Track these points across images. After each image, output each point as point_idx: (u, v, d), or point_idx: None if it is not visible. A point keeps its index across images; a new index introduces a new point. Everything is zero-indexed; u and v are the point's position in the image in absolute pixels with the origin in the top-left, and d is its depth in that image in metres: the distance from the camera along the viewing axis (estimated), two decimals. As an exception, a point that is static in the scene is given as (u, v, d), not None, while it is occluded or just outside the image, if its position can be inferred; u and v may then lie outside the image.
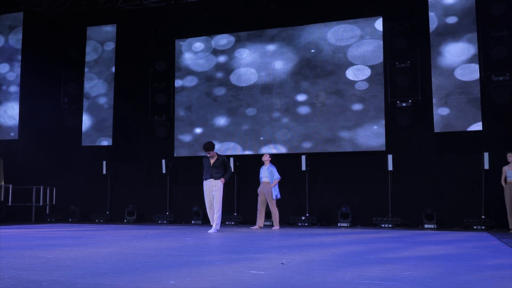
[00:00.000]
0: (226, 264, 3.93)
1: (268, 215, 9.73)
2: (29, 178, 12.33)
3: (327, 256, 4.59)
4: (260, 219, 9.47)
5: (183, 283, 3.04)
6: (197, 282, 3.08)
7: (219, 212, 8.02)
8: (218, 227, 8.05)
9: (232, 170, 10.99)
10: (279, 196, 9.34)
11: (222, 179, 8.03)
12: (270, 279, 3.21)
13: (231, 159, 11.16)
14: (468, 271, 3.68)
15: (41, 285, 2.95)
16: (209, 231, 7.87)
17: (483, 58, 9.86)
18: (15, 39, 12.55)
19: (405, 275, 3.39)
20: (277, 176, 9.25)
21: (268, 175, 9.26)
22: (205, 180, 8.11)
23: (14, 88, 12.41)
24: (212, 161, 8.09)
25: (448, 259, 4.50)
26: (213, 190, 8.01)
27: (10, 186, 11.97)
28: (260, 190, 9.39)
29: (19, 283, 3.00)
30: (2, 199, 11.96)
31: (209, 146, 8.04)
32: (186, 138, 11.98)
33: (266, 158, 9.47)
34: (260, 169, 9.52)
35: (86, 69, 12.84)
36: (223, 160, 8.15)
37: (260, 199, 9.39)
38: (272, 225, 9.62)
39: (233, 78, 11.79)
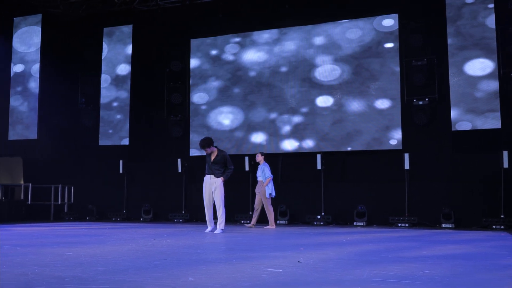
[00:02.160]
0: (243, 262, 3.96)
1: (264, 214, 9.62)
2: (48, 177, 12.53)
3: (344, 255, 4.59)
4: (254, 218, 9.46)
5: (202, 280, 3.08)
6: (215, 279, 3.11)
7: (223, 212, 7.60)
8: (223, 227, 7.67)
9: (247, 169, 11.08)
10: (273, 194, 9.29)
11: (222, 178, 7.60)
12: (287, 277, 3.23)
13: (246, 158, 11.19)
14: (487, 270, 3.65)
15: (63, 281, 3.02)
16: (215, 232, 7.52)
17: (501, 54, 9.72)
18: (34, 41, 12.75)
19: (423, 274, 3.38)
20: (268, 175, 9.19)
21: (261, 174, 9.26)
22: (206, 175, 7.69)
23: (34, 89, 12.61)
24: (212, 157, 7.65)
25: (466, 258, 4.46)
26: (213, 188, 7.57)
27: (30, 185, 12.19)
28: (256, 189, 9.39)
29: (42, 279, 3.07)
30: (22, 197, 12.19)
31: (204, 143, 7.53)
32: (202, 137, 12.00)
33: (259, 158, 9.42)
34: (258, 168, 9.51)
35: (102, 69, 12.98)
36: (223, 155, 7.65)
37: (256, 198, 9.38)
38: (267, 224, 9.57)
39: (248, 77, 11.82)
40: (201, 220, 11.51)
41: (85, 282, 3.00)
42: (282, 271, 3.47)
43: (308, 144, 11.13)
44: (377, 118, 10.63)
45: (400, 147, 10.38)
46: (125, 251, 4.73)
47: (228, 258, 4.20)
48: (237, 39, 12.07)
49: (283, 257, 4.33)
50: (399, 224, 9.85)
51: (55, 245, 5.42)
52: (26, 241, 5.98)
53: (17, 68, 12.90)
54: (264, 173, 9.19)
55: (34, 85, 12.64)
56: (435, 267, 3.74)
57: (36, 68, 12.66)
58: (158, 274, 3.28)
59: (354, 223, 10.24)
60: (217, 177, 7.60)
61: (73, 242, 5.83)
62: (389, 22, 10.79)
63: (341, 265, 3.85)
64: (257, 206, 9.39)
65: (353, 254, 4.69)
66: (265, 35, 11.82)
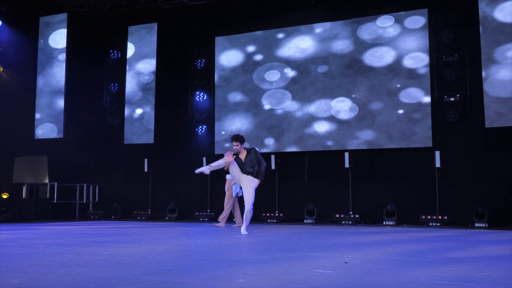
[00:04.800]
0: (288, 263, 3.82)
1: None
2: (73, 176, 12.57)
3: (389, 255, 4.42)
4: (237, 217, 9.26)
5: (253, 281, 2.95)
6: (267, 281, 2.99)
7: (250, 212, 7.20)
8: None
9: (273, 167, 10.97)
10: (240, 193, 9.03)
11: (258, 180, 7.05)
12: (340, 279, 3.09)
13: (272, 157, 11.07)
14: (548, 273, 3.45)
15: (110, 281, 2.93)
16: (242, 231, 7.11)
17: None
18: (60, 40, 12.79)
19: (482, 276, 3.21)
20: None
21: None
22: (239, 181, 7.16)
23: (59, 88, 12.65)
24: (242, 157, 7.10)
25: (518, 259, 4.26)
26: (244, 185, 7.03)
27: (55, 184, 12.24)
28: (225, 187, 9.22)
29: (88, 279, 2.98)
30: (47, 196, 12.25)
31: (243, 139, 7.13)
32: (227, 135, 11.93)
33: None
34: None
35: (127, 68, 12.97)
36: (255, 151, 7.16)
37: (226, 196, 9.18)
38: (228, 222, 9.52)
39: (273, 76, 11.67)
40: (227, 219, 11.41)
41: (133, 283, 2.90)
42: (332, 272, 3.32)
43: (336, 141, 10.92)
44: (406, 115, 10.39)
45: (431, 145, 10.12)
46: (162, 251, 4.64)
47: (271, 259, 4.07)
48: (263, 37, 11.92)
49: (327, 257, 4.18)
50: (430, 224, 9.60)
51: (89, 244, 5.36)
52: (59, 240, 5.95)
53: (43, 67, 12.97)
54: None
55: (60, 84, 12.68)
56: (491, 269, 3.56)
57: (62, 67, 12.70)
58: (205, 275, 3.17)
59: (384, 222, 10.02)
60: (254, 176, 7.05)
61: (107, 241, 5.77)
62: (419, 17, 10.52)
63: (391, 266, 3.69)
64: (226, 203, 9.20)
65: (397, 254, 4.52)
66: (291, 33, 11.65)
